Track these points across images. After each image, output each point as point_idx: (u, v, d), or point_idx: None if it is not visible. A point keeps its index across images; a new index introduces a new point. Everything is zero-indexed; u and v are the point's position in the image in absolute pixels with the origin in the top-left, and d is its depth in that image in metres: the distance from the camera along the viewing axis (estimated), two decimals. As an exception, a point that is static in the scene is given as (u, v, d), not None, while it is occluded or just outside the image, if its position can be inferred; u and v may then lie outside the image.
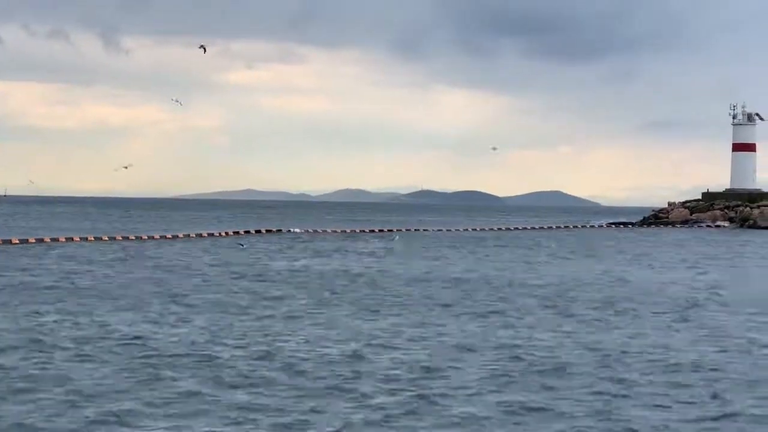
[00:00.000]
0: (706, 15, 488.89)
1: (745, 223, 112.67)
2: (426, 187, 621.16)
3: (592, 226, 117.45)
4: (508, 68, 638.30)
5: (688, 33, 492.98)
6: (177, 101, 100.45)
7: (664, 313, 30.23)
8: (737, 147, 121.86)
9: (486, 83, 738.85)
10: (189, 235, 75.74)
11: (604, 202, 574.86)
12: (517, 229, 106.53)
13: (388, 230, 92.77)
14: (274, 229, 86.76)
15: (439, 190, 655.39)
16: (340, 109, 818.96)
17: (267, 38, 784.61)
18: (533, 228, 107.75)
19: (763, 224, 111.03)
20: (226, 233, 79.46)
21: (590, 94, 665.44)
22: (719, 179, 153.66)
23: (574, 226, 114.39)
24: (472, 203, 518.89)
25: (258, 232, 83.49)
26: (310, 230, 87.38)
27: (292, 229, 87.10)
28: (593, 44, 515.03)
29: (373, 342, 23.03)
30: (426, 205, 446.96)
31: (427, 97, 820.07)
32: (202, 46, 73.14)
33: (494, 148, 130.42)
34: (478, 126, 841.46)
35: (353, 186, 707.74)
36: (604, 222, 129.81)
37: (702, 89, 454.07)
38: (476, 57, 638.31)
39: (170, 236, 73.61)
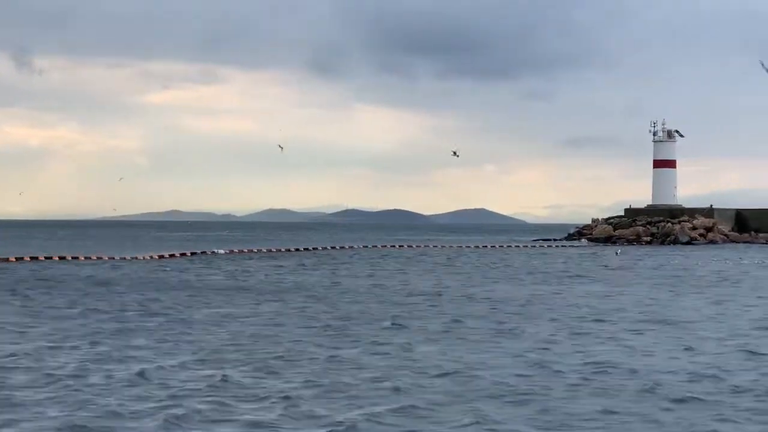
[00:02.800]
0: (617, 33, 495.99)
1: (666, 238, 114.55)
2: (351, 206, 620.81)
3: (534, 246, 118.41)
4: (426, 87, 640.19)
5: (600, 51, 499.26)
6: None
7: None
8: (658, 164, 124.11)
9: (406, 102, 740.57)
10: None
11: (528, 220, 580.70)
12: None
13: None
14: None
15: (365, 209, 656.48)
16: (263, 129, 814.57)
17: (185, 59, 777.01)
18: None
19: (683, 239, 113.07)
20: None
21: (509, 113, 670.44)
22: (641, 195, 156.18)
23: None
24: (398, 222, 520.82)
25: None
26: (236, 250, 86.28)
27: (216, 251, 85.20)
28: (508, 63, 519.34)
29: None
30: (352, 224, 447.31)
31: (349, 116, 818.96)
32: (455, 153, 72.94)
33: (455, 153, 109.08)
34: (401, 145, 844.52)
35: (278, 206, 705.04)
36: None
37: (618, 106, 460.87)
38: (395, 76, 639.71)
39: None
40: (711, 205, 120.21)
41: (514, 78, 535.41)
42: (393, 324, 29.10)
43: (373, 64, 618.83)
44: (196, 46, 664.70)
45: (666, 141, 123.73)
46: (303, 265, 66.35)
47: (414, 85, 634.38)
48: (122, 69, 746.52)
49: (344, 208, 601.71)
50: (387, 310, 33.90)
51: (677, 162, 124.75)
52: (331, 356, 22.27)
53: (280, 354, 22.67)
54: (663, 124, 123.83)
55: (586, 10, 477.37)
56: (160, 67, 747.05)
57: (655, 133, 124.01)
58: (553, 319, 30.90)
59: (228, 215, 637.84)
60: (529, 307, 35.38)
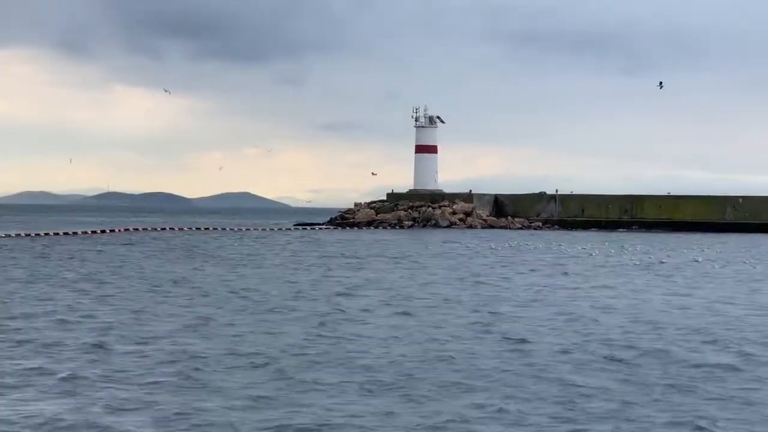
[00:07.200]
0: (368, 20, 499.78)
1: (427, 222, 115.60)
2: (112, 188, 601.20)
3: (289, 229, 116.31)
4: (180, 69, 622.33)
5: (352, 37, 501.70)
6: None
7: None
8: (420, 149, 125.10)
9: (163, 84, 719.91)
10: None
11: (292, 204, 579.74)
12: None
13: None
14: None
15: (127, 192, 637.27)
16: (15, 110, 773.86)
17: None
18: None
19: (444, 224, 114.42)
20: None
21: (266, 97, 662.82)
22: (403, 180, 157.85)
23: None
24: (162, 205, 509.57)
25: None
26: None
27: None
28: (258, 46, 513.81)
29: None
30: (114, 206, 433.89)
31: (105, 97, 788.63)
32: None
33: None
34: (162, 127, 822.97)
35: (36, 188, 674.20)
36: (291, 224, 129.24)
37: (376, 91, 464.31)
38: (150, 58, 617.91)
39: None
40: (470, 191, 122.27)
41: (265, 61, 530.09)
42: None
43: (127, 45, 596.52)
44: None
45: (428, 127, 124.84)
46: None
47: (169, 67, 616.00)
48: None
49: (105, 191, 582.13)
50: None
51: (438, 147, 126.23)
52: None
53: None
54: (425, 110, 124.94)
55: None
56: None
57: (417, 119, 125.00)
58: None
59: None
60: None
